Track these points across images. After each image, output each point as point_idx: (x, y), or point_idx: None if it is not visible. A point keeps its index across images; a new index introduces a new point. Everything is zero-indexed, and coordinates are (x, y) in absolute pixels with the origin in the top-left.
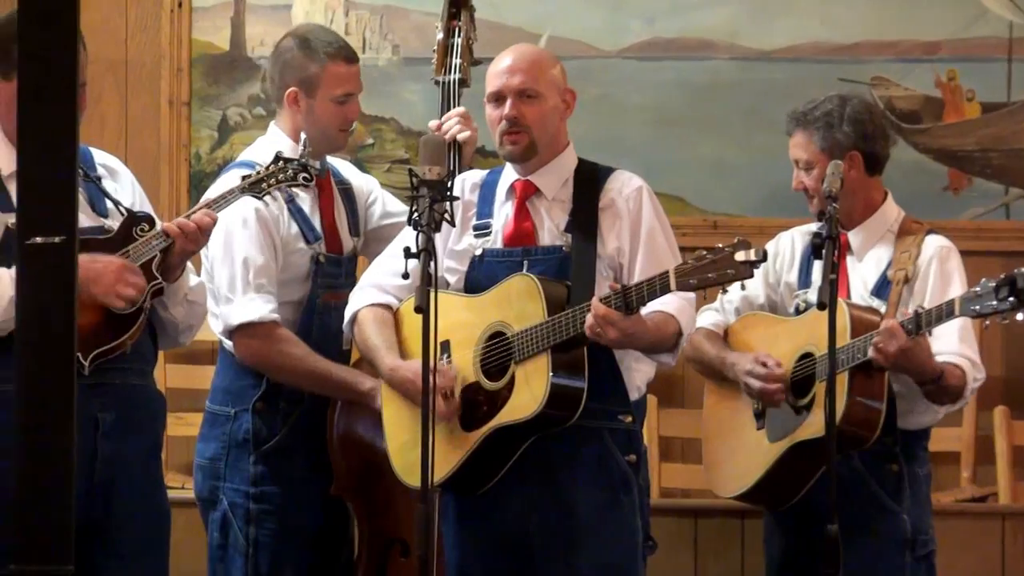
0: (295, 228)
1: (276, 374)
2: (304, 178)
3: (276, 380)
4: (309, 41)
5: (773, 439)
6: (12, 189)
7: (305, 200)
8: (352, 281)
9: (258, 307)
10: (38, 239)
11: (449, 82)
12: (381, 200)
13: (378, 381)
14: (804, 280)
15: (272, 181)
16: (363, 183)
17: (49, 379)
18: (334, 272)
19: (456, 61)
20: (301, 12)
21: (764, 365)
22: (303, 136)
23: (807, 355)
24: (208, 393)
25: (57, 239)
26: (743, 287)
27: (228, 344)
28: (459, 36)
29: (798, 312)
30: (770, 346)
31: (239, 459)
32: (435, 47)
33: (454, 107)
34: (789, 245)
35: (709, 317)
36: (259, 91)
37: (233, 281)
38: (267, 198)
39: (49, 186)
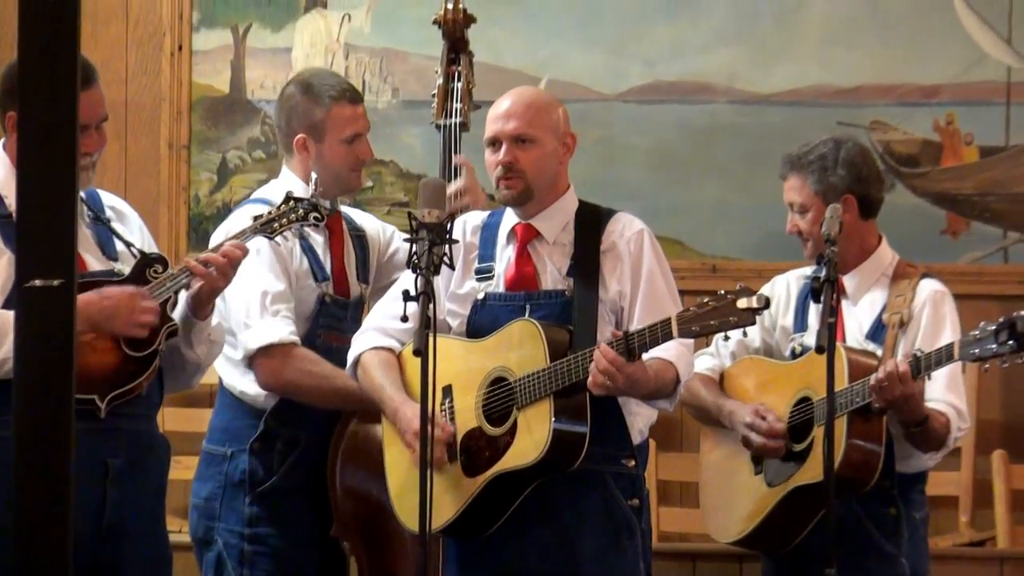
0: (306, 264)
1: (300, 395)
2: (315, 218)
3: (301, 401)
4: (312, 86)
5: (771, 484)
6: None
7: (317, 241)
8: (356, 327)
9: (277, 328)
10: (37, 282)
11: (449, 126)
12: (403, 249)
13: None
14: (800, 324)
15: (284, 221)
16: (379, 231)
17: (47, 424)
18: (338, 314)
19: (456, 105)
20: (301, 55)
21: (764, 419)
22: (313, 176)
23: (804, 399)
24: (204, 435)
25: (56, 282)
26: (745, 334)
27: (228, 381)
28: (459, 81)
29: (794, 356)
30: (767, 391)
31: (234, 499)
32: (435, 91)
33: (454, 151)
34: (784, 289)
35: (705, 362)
36: (259, 134)
37: (249, 308)
38: (279, 238)
39: (48, 227)
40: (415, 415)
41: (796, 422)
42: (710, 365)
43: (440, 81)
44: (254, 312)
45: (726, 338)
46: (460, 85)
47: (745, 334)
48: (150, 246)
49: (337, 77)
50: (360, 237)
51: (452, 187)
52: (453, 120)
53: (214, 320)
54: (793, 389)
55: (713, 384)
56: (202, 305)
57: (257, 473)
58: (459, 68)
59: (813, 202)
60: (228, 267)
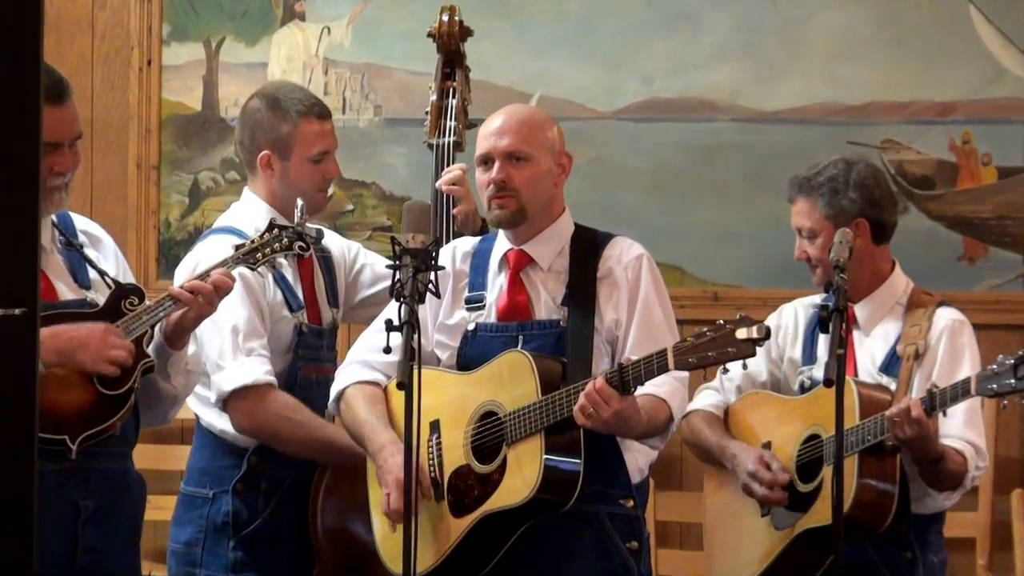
0: (280, 295)
1: (276, 441)
2: (300, 247)
3: (275, 448)
4: (279, 100)
5: (778, 526)
6: None
7: (287, 268)
8: (332, 355)
9: (252, 369)
10: None
11: (443, 145)
12: (369, 265)
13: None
14: (808, 356)
15: (267, 251)
16: (344, 251)
17: (9, 465)
18: (316, 344)
19: (451, 123)
20: (278, 70)
21: (768, 468)
22: (299, 203)
23: (814, 436)
24: (178, 474)
25: (17, 311)
26: (745, 366)
27: (206, 420)
28: (454, 97)
29: (803, 390)
30: (774, 428)
31: (217, 544)
32: (428, 109)
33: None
34: (792, 318)
35: (708, 397)
36: (232, 154)
37: (223, 348)
38: (261, 269)
39: (8, 253)
40: (398, 465)
41: (804, 461)
42: (714, 401)
43: (434, 98)
44: (227, 351)
45: (724, 370)
46: (455, 102)
47: (745, 366)
48: (125, 274)
49: (304, 91)
50: (326, 259)
51: (447, 175)
52: (447, 139)
53: (191, 348)
54: (802, 426)
55: (717, 422)
56: (182, 334)
57: (241, 516)
58: (454, 84)
59: (823, 227)
60: (215, 295)
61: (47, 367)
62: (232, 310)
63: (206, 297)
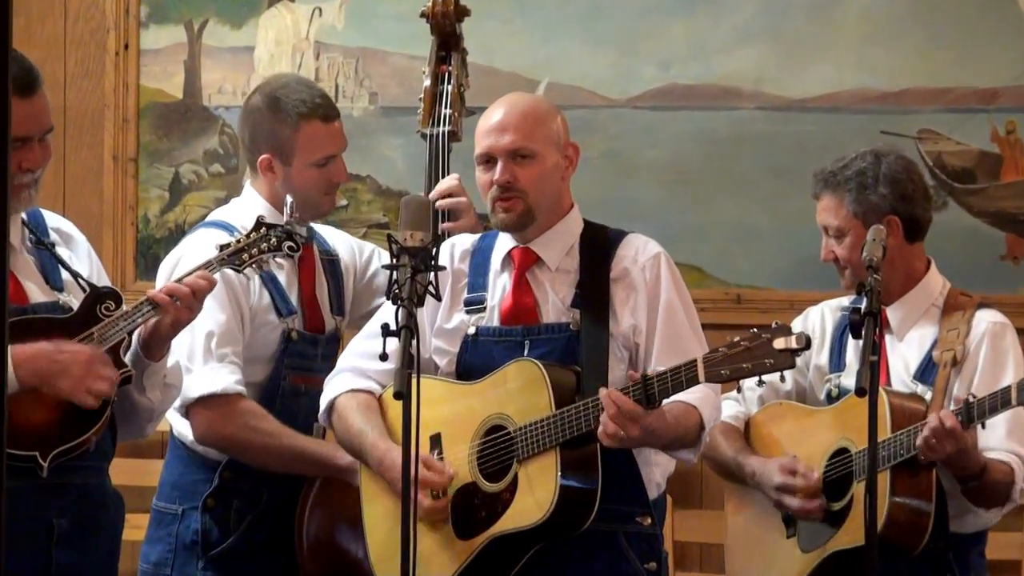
0: (266, 298)
1: (241, 453)
2: (289, 247)
3: (241, 460)
4: (279, 100)
5: (806, 548)
6: None
7: (282, 269)
8: (329, 366)
9: (221, 377)
10: None
11: (437, 135)
12: (384, 274)
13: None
14: (836, 362)
15: (254, 251)
16: (355, 254)
17: None
18: (307, 352)
19: (446, 111)
20: (265, 55)
21: (794, 474)
22: (288, 199)
23: (842, 451)
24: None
25: None
26: (783, 378)
27: (179, 430)
28: (449, 83)
29: (830, 399)
30: (798, 442)
31: (187, 564)
32: (421, 95)
33: (442, 164)
34: (819, 322)
35: (727, 408)
36: (217, 145)
37: (193, 351)
38: (248, 270)
39: None
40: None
41: (832, 477)
42: (733, 412)
43: (427, 83)
44: (197, 355)
45: (760, 383)
46: (450, 88)
47: (783, 379)
48: (100, 275)
49: (310, 89)
50: (332, 262)
51: (441, 186)
52: (441, 128)
53: (170, 361)
54: (829, 439)
55: (736, 435)
56: (159, 344)
57: (211, 534)
58: (450, 68)
59: (851, 225)
60: (193, 299)
61: (23, 387)
62: (209, 313)
63: (184, 301)
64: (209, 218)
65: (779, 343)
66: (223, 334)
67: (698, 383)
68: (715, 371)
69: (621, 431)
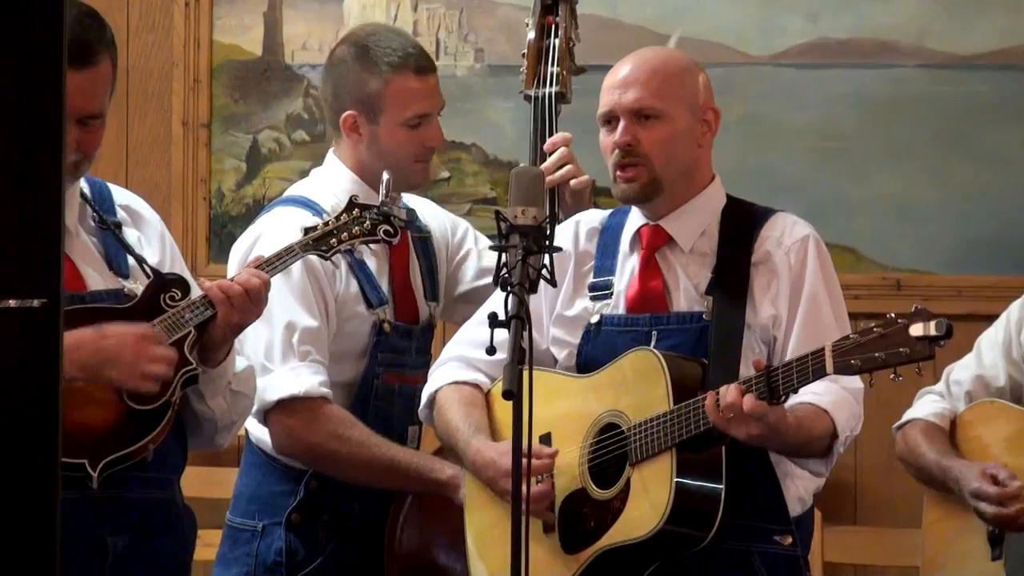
0: (354, 287)
1: (327, 465)
2: (386, 232)
3: (326, 472)
4: (368, 49)
5: (1013, 574)
6: None
7: (370, 254)
8: (423, 360)
9: (304, 379)
10: (11, 302)
11: (542, 96)
12: (476, 253)
13: (460, 468)
14: None
15: (344, 236)
16: (447, 230)
17: (25, 492)
18: (400, 346)
19: (553, 70)
20: (356, 7)
21: (994, 480)
22: (385, 176)
23: None
24: (229, 504)
25: (36, 302)
26: (918, 370)
27: (256, 435)
28: (556, 37)
29: None
30: (1012, 447)
31: None
32: (524, 51)
33: (550, 129)
34: None
35: (930, 404)
36: (301, 109)
37: (271, 347)
38: (336, 257)
39: (27, 237)
40: (500, 452)
41: None
42: (937, 409)
43: (531, 37)
44: (276, 353)
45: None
46: (557, 42)
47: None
48: (172, 260)
49: (403, 38)
50: (423, 241)
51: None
52: (548, 89)
53: (239, 365)
54: None
55: (940, 435)
56: (216, 347)
57: (297, 553)
58: (557, 19)
59: None
60: (246, 299)
61: (68, 382)
62: (288, 302)
63: (235, 301)
64: (287, 193)
65: (916, 330)
66: (305, 328)
67: (826, 374)
68: (844, 360)
69: (739, 428)
